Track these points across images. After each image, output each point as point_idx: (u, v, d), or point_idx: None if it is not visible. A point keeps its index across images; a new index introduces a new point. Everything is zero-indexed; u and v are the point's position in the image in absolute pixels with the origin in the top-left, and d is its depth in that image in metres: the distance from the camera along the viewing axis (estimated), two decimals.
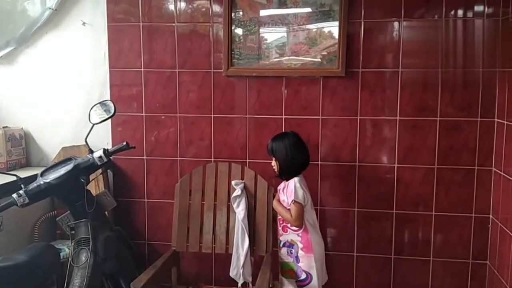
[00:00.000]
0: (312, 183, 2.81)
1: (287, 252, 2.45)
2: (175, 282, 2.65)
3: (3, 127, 3.03)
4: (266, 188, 2.61)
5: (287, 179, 2.46)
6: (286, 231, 2.46)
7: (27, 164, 3.15)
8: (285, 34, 2.84)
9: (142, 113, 3.03)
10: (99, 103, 2.47)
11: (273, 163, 2.49)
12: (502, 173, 2.62)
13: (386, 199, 2.87)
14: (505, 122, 2.56)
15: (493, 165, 2.74)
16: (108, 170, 3.02)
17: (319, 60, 2.80)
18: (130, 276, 2.60)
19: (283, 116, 2.90)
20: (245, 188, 2.62)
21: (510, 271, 2.48)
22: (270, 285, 2.22)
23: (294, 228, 2.42)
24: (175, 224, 2.67)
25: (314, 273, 2.39)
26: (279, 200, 2.51)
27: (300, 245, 2.41)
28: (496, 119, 2.70)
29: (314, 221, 2.46)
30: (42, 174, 2.34)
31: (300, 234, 2.41)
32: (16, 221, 2.71)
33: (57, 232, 2.98)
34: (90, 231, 2.34)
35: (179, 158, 3.05)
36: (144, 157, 3.07)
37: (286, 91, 2.88)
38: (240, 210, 2.57)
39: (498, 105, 2.68)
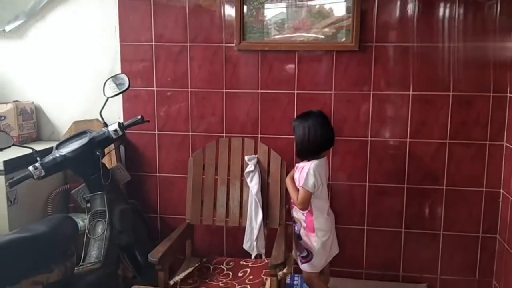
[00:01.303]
0: None
1: (293, 227, 2.50)
2: (189, 254, 2.68)
3: (14, 101, 3.02)
4: (279, 162, 2.62)
5: (308, 160, 2.41)
6: (293, 208, 2.49)
7: (38, 138, 3.15)
8: (298, 8, 2.82)
9: (153, 87, 3.03)
10: (113, 76, 2.47)
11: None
12: None
13: (397, 174, 2.88)
14: None
15: (504, 140, 2.74)
16: (120, 145, 3.02)
17: (332, 34, 2.78)
18: (145, 248, 2.63)
19: (295, 91, 2.89)
20: (258, 162, 2.62)
21: None
22: (286, 257, 2.24)
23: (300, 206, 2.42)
24: (189, 198, 2.68)
25: (314, 252, 2.40)
26: (292, 177, 2.49)
27: (304, 224, 2.43)
28: (508, 94, 2.70)
29: (322, 207, 2.42)
30: (57, 147, 2.36)
31: (304, 214, 2.42)
32: (30, 195, 2.72)
33: (70, 205, 2.99)
34: (106, 203, 2.37)
35: (190, 133, 3.05)
36: (156, 132, 3.07)
37: (298, 66, 2.87)
38: (253, 185, 2.58)
39: (510, 80, 2.68)
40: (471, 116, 2.76)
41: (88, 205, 2.43)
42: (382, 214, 2.94)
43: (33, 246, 1.74)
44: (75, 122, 3.02)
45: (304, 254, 2.43)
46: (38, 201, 2.83)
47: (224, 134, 2.99)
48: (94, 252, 2.30)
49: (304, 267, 2.46)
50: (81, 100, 3.10)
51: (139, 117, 2.44)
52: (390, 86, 2.81)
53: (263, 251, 2.61)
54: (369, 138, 2.86)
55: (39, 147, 2.47)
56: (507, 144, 2.72)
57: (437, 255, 2.93)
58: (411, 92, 2.79)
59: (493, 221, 2.83)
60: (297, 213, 2.46)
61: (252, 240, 2.59)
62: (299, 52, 2.85)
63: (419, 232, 2.93)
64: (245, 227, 2.66)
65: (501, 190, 2.79)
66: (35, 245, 1.75)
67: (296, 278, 2.74)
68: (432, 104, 2.79)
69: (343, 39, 2.78)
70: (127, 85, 2.43)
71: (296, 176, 2.45)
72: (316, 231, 2.39)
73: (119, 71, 3.00)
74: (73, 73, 3.11)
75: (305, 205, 2.37)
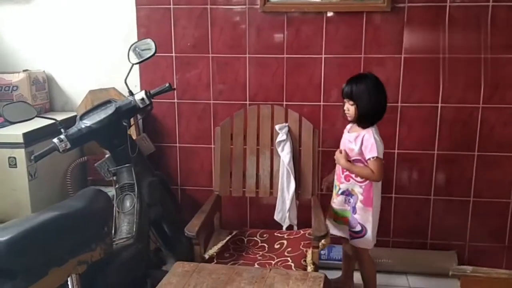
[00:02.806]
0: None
1: (344, 200, 2.37)
2: (218, 227, 2.60)
3: (24, 70, 2.86)
4: (311, 130, 2.52)
5: (363, 127, 2.28)
6: (349, 180, 2.33)
7: (51, 109, 3.01)
8: None
9: (172, 53, 2.88)
10: (138, 41, 2.33)
11: (347, 107, 2.28)
12: None
13: (427, 140, 2.80)
14: None
15: None
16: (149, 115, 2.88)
17: None
18: (173, 221, 2.56)
19: (323, 56, 2.77)
20: (289, 131, 2.52)
21: None
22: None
23: (359, 179, 2.30)
24: (217, 169, 2.58)
25: (369, 227, 2.31)
26: (347, 158, 2.31)
27: (361, 197, 2.31)
28: None
29: None
30: (81, 118, 2.23)
31: (363, 187, 2.29)
32: (49, 169, 2.61)
33: (89, 178, 2.88)
34: (134, 176, 2.26)
35: (212, 101, 2.92)
36: (175, 100, 2.94)
37: (326, 28, 2.73)
38: (285, 154, 2.49)
39: None
40: (506, 78, 2.67)
41: (114, 178, 2.32)
42: (411, 182, 2.87)
43: (74, 224, 1.64)
44: (91, 92, 2.87)
45: (358, 229, 2.34)
46: (57, 174, 2.72)
47: (247, 102, 2.87)
48: (125, 227, 2.20)
49: (355, 242, 2.38)
50: (96, 68, 2.95)
51: (167, 84, 2.30)
52: (421, 49, 2.69)
53: (295, 222, 2.54)
54: (399, 104, 2.76)
55: (57, 117, 2.34)
56: None
57: (466, 222, 2.89)
58: (441, 55, 2.68)
59: None
60: (353, 186, 2.33)
61: (284, 211, 2.51)
62: (327, 14, 2.71)
63: (448, 199, 2.87)
64: (275, 198, 2.58)
65: None
66: (76, 222, 1.65)
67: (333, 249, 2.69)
68: (465, 67, 2.69)
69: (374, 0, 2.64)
70: (153, 50, 2.28)
71: (353, 146, 2.28)
72: (373, 204, 2.30)
73: (135, 37, 2.84)
74: (85, 40, 2.94)
75: (383, 175, 2.26)
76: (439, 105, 2.75)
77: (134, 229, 2.18)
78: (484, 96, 2.70)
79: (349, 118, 2.32)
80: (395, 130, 2.80)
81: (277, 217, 2.55)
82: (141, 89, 2.69)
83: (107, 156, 2.37)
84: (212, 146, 2.96)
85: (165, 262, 2.43)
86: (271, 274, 1.77)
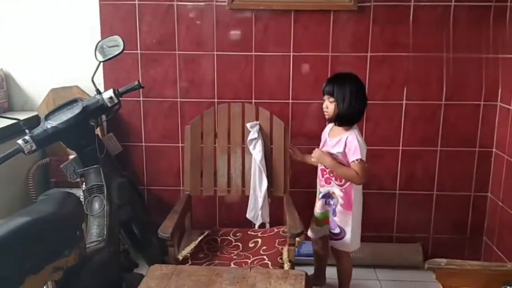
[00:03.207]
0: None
1: (325, 203, 2.39)
2: (189, 227, 2.56)
3: None
4: (283, 128, 2.52)
5: (344, 128, 2.28)
6: (329, 183, 2.34)
7: (9, 109, 2.86)
8: None
9: (137, 50, 2.80)
10: (105, 38, 2.25)
11: (326, 104, 2.28)
12: (507, 106, 2.67)
13: (393, 137, 2.87)
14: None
15: (498, 100, 2.78)
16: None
17: None
18: (142, 223, 2.50)
19: (291, 53, 2.77)
20: (260, 129, 2.51)
21: None
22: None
23: (339, 182, 2.30)
24: (187, 168, 2.54)
25: (349, 230, 2.32)
26: (331, 156, 2.28)
27: (341, 201, 2.31)
28: (500, 55, 2.71)
29: None
30: (46, 118, 2.13)
31: (343, 190, 2.30)
32: (9, 172, 2.47)
33: (51, 180, 2.76)
34: (103, 177, 2.19)
35: (179, 99, 2.87)
36: (141, 99, 2.87)
37: (294, 27, 2.74)
38: (257, 152, 2.48)
39: (503, 43, 2.68)
40: (467, 76, 2.77)
41: (82, 179, 2.24)
42: (377, 177, 2.93)
43: (47, 229, 1.55)
44: (53, 90, 2.75)
45: (337, 231, 2.35)
46: (18, 177, 2.60)
47: (215, 100, 2.84)
48: (95, 230, 2.12)
49: (334, 244, 2.39)
50: (57, 66, 2.83)
51: (136, 82, 2.24)
52: (388, 48, 2.74)
53: (267, 220, 2.54)
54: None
55: (18, 117, 2.22)
56: (501, 104, 2.76)
57: (430, 215, 2.98)
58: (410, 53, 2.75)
59: (485, 179, 2.89)
60: (334, 189, 2.34)
61: (256, 209, 2.51)
62: (295, 12, 2.71)
63: (413, 193, 2.95)
64: (244, 197, 2.57)
65: (494, 149, 2.84)
66: (49, 227, 1.57)
67: (303, 245, 2.70)
68: (428, 65, 2.76)
69: None
70: (121, 47, 2.21)
71: (336, 150, 2.27)
72: (353, 208, 2.31)
73: (98, 33, 2.75)
74: (46, 36, 2.82)
75: (367, 178, 2.26)
76: (404, 102, 2.82)
77: (105, 232, 2.11)
78: (447, 94, 2.79)
79: (326, 116, 2.33)
80: (361, 127, 2.83)
81: (249, 215, 2.54)
82: (105, 87, 2.62)
83: (72, 157, 2.28)
84: (180, 145, 2.92)
85: (136, 265, 2.37)
86: (252, 273, 1.75)
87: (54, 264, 1.54)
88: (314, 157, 2.31)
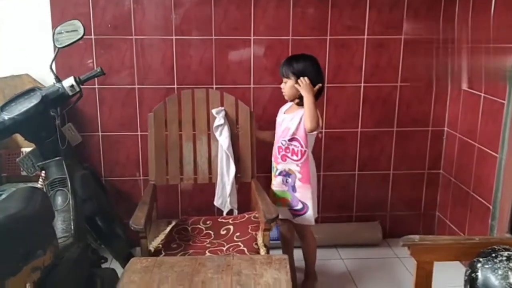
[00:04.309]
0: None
1: (282, 181, 2.40)
2: (155, 218, 2.49)
3: None
4: (248, 113, 2.50)
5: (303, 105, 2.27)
6: (285, 160, 2.36)
7: None
8: None
9: (91, 35, 2.67)
10: (64, 23, 2.11)
11: (283, 85, 2.33)
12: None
13: (352, 118, 2.93)
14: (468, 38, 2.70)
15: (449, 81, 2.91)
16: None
17: None
18: (106, 215, 2.41)
19: (252, 37, 2.75)
20: (226, 115, 2.48)
21: (466, 176, 2.74)
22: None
23: (294, 158, 2.33)
24: (152, 157, 2.46)
25: (310, 204, 2.36)
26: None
27: (299, 176, 2.35)
28: (456, 37, 2.83)
29: (311, 155, 2.38)
30: (2, 109, 1.99)
31: (299, 164, 2.33)
32: None
33: (3, 175, 2.59)
34: (65, 170, 2.08)
35: (136, 86, 2.78)
36: (96, 86, 2.74)
37: (254, 10, 2.71)
38: (224, 139, 2.45)
39: (457, 25, 2.80)
40: (420, 59, 2.87)
41: (43, 173, 2.12)
42: (337, 159, 2.99)
43: (21, 227, 1.45)
44: (1, 79, 2.56)
45: (300, 207, 2.37)
46: None
47: (175, 86, 2.77)
48: (61, 226, 2.02)
49: (299, 220, 2.41)
50: (4, 54, 2.63)
51: (99, 69, 2.14)
52: (346, 31, 2.79)
53: (235, 206, 2.52)
54: (326, 85, 2.83)
55: None
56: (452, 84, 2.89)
57: (387, 194, 3.09)
58: (366, 36, 2.81)
59: (437, 157, 3.03)
60: (290, 165, 2.36)
61: (224, 196, 2.48)
62: None
63: (371, 173, 3.04)
64: (207, 185, 2.55)
65: (445, 128, 2.97)
66: (23, 225, 1.46)
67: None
68: (385, 48, 2.84)
69: None
70: (82, 32, 2.09)
71: (290, 125, 2.32)
72: (311, 181, 2.35)
73: (49, 18, 2.60)
74: None
75: (320, 124, 2.26)
76: (362, 85, 2.88)
77: (72, 227, 2.01)
78: (402, 76, 2.88)
79: (286, 97, 2.36)
80: (322, 110, 2.87)
81: (217, 202, 2.52)
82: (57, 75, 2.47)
83: (29, 150, 2.15)
84: (139, 133, 2.84)
85: (105, 259, 2.28)
86: (236, 260, 1.74)
87: (31, 264, 1.45)
88: (302, 84, 2.26)
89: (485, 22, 2.46)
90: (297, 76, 2.26)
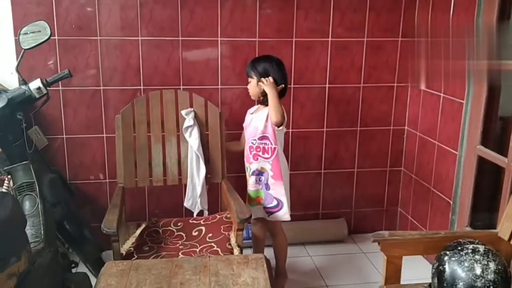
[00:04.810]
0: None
1: (256, 181, 2.42)
2: (124, 220, 2.46)
3: None
4: (218, 114, 2.51)
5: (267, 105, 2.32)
6: (257, 159, 2.40)
7: None
8: None
9: (55, 36, 2.60)
10: (29, 24, 2.06)
11: (251, 84, 2.38)
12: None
13: (317, 118, 2.99)
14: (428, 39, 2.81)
15: (409, 81, 3.01)
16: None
17: None
18: (75, 219, 2.38)
19: (219, 38, 2.76)
20: (195, 116, 2.48)
21: (427, 173, 2.86)
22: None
23: (265, 156, 2.37)
24: (120, 159, 2.43)
25: (284, 199, 2.41)
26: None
27: (271, 173, 2.39)
28: (416, 39, 2.93)
29: (281, 150, 2.43)
30: None
31: (271, 162, 2.38)
32: None
33: None
34: (33, 174, 2.04)
35: (102, 87, 2.73)
36: (60, 88, 2.68)
37: (221, 11, 2.73)
38: (193, 140, 2.45)
39: (417, 26, 2.91)
40: (382, 60, 2.96)
41: (9, 178, 2.07)
42: (304, 158, 3.05)
43: None
44: None
45: (274, 203, 2.41)
46: None
47: (141, 87, 2.75)
48: (30, 231, 1.98)
49: (274, 217, 2.45)
50: None
51: (66, 71, 2.12)
52: (311, 33, 2.84)
53: (206, 207, 2.53)
54: (292, 86, 2.89)
55: None
56: (412, 84, 3.00)
57: (352, 191, 3.18)
58: (330, 39, 2.87)
59: (399, 155, 3.15)
60: (262, 164, 2.39)
61: (195, 197, 2.48)
62: None
63: (336, 172, 3.12)
64: (176, 186, 2.56)
65: (406, 127, 3.09)
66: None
67: None
68: (348, 49, 2.91)
69: None
70: (48, 33, 2.05)
71: (258, 124, 2.37)
72: (283, 177, 2.39)
73: (10, 18, 2.53)
74: None
75: (285, 117, 2.31)
76: (327, 86, 2.95)
77: (42, 232, 1.98)
78: (365, 76, 2.97)
79: (251, 97, 2.43)
80: (288, 110, 2.92)
81: (187, 204, 2.52)
82: (21, 77, 2.41)
83: None
84: (104, 135, 2.80)
85: (76, 263, 2.24)
86: (212, 261, 1.76)
87: (7, 271, 1.42)
88: (266, 83, 2.31)
89: (444, 22, 2.57)
90: (261, 75, 2.34)
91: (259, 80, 2.34)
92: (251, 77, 2.38)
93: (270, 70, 2.35)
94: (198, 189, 2.47)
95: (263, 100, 2.39)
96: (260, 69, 2.36)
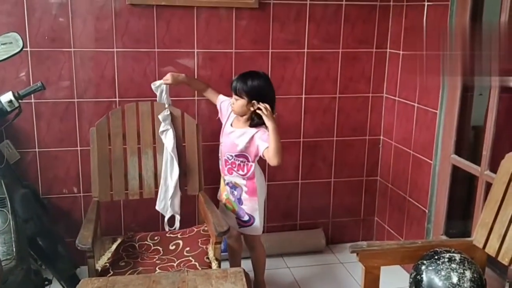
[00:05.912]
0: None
1: (230, 192, 2.41)
2: (99, 235, 2.41)
3: None
4: (195, 126, 2.49)
5: (255, 126, 2.28)
6: (231, 173, 2.36)
7: None
8: None
9: (27, 47, 2.55)
10: (1, 36, 2.02)
11: (233, 101, 2.27)
12: (392, 97, 2.97)
13: (294, 129, 3.00)
14: (400, 52, 2.86)
15: (384, 92, 3.06)
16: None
17: None
18: (48, 235, 2.32)
19: (195, 50, 2.75)
20: (172, 121, 2.44)
21: (402, 182, 2.90)
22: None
23: (240, 172, 2.34)
24: (95, 173, 2.39)
25: (257, 215, 2.39)
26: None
27: (245, 189, 2.36)
28: (388, 50, 2.98)
29: (259, 169, 2.41)
30: None
31: (245, 178, 2.34)
32: None
33: None
34: (4, 189, 1.99)
35: (76, 100, 2.69)
36: (32, 101, 2.63)
37: (197, 23, 2.72)
38: (169, 141, 2.40)
39: (390, 37, 2.96)
40: (357, 71, 3.00)
41: None
42: (281, 169, 3.04)
43: None
44: None
45: (246, 218, 2.39)
46: None
47: (117, 99, 2.72)
48: (1, 248, 1.93)
49: (244, 230, 2.43)
50: None
51: (39, 84, 2.08)
52: (287, 44, 2.86)
53: (178, 211, 2.45)
54: None
55: None
56: (387, 95, 3.04)
57: (329, 201, 3.19)
58: (306, 50, 2.90)
59: (375, 165, 3.18)
60: (236, 179, 2.37)
61: (166, 199, 2.41)
62: (198, 9, 2.69)
63: (313, 182, 3.13)
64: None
65: (381, 137, 3.12)
66: None
67: None
68: (323, 60, 2.94)
69: None
70: (20, 45, 2.01)
71: (238, 142, 2.30)
72: (258, 193, 2.36)
73: None
74: None
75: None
76: (303, 96, 2.97)
77: (14, 249, 1.92)
78: (340, 87, 3.00)
79: (234, 113, 2.34)
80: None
81: (159, 206, 2.44)
82: None
83: None
84: (78, 148, 2.75)
85: (49, 281, 2.18)
86: (190, 276, 1.73)
87: None
88: (266, 113, 2.18)
89: (417, 32, 2.62)
90: (252, 98, 2.22)
91: (249, 102, 2.22)
92: (240, 97, 2.24)
93: (263, 93, 2.23)
94: (170, 190, 2.42)
95: (251, 124, 2.29)
96: (253, 92, 2.22)
